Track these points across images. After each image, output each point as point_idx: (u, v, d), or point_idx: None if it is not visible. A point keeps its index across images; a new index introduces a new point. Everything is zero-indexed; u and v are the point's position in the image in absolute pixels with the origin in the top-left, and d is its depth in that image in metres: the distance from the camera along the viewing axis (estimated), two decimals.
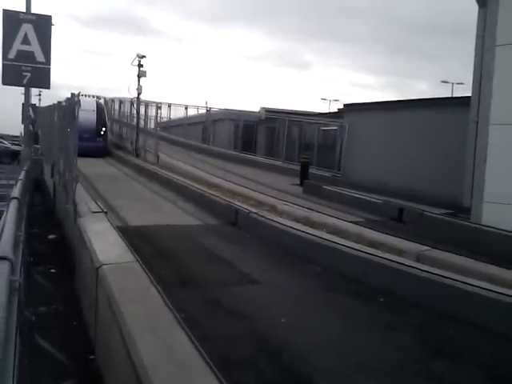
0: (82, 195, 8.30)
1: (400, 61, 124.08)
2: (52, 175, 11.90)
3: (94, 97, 25.61)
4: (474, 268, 6.32)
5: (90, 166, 14.58)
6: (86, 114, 18.24)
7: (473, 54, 11.08)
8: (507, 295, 4.72)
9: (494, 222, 9.38)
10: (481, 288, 4.97)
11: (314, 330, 4.51)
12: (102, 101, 25.68)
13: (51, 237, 9.05)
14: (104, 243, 5.32)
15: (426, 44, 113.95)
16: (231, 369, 3.42)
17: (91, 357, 4.34)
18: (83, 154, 16.26)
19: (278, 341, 4.18)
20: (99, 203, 7.77)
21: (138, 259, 4.84)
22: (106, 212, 7.14)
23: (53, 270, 6.74)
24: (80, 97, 17.22)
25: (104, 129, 21.28)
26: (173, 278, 5.69)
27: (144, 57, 18.72)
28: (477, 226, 9.61)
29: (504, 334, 4.47)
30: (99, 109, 21.89)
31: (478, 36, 10.66)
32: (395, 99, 16.69)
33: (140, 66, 18.71)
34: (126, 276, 4.33)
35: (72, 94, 7.69)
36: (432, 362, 4.01)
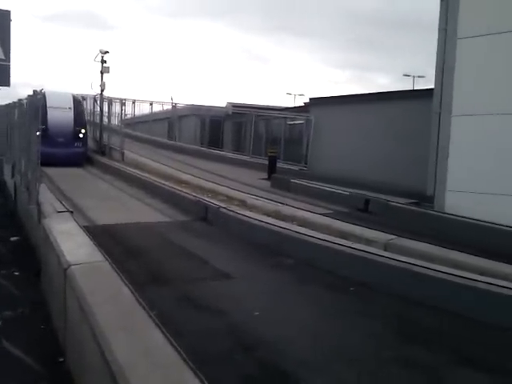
0: (45, 195, 8.04)
1: (362, 55, 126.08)
2: (13, 175, 11.49)
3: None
4: (440, 255, 6.49)
5: (53, 165, 14.18)
6: (61, 112, 16.20)
7: (432, 47, 11.34)
8: (474, 280, 4.87)
9: (456, 209, 9.68)
10: (448, 274, 5.11)
11: (289, 321, 4.54)
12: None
13: (13, 239, 8.74)
14: (71, 243, 5.16)
15: (387, 38, 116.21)
16: (208, 364, 3.38)
17: (61, 359, 4.23)
18: (57, 162, 14.27)
19: (253, 334, 4.18)
20: (64, 203, 7.56)
21: (108, 258, 4.73)
22: (71, 212, 6.94)
23: (17, 273, 6.51)
24: (52, 91, 15.50)
25: (83, 131, 17.03)
26: (144, 276, 5.61)
27: (107, 52, 18.34)
28: (440, 214, 9.90)
29: (473, 318, 4.60)
30: (77, 106, 17.46)
31: (440, 29, 10.90)
32: (360, 93, 16.92)
33: (103, 61, 18.31)
34: (96, 276, 4.22)
35: (34, 92, 7.43)
36: (406, 348, 4.10)
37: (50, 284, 5.33)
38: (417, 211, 10.14)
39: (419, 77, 40.70)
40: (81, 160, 16.82)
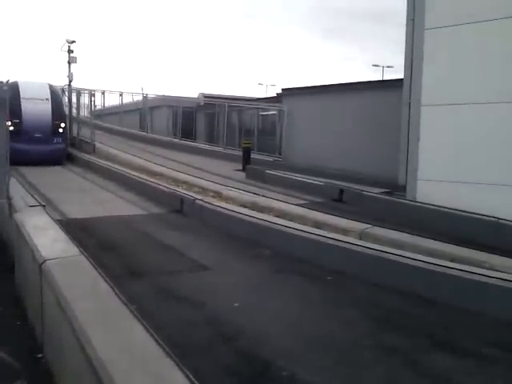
0: (16, 189, 7.84)
1: (330, 45, 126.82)
2: None
3: None
4: (413, 243, 6.65)
5: (29, 164, 13.83)
6: (37, 104, 14.69)
7: (399, 38, 11.52)
8: (447, 267, 5.02)
9: (428, 198, 9.90)
10: (422, 261, 5.24)
11: (267, 312, 4.58)
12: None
13: None
14: (45, 238, 5.06)
15: (353, 29, 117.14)
16: (190, 356, 3.40)
17: (39, 356, 4.17)
18: (34, 161, 13.65)
19: (232, 325, 4.20)
20: (36, 197, 7.40)
21: (84, 253, 4.67)
22: (43, 205, 6.80)
23: None
24: (25, 82, 15.12)
25: (63, 125, 15.38)
26: (121, 269, 5.56)
27: (74, 42, 17.90)
28: (412, 202, 10.11)
29: (447, 303, 4.75)
30: (55, 97, 15.67)
31: (408, 20, 11.08)
32: (331, 83, 17.04)
33: (70, 51, 17.86)
34: (73, 270, 4.15)
35: (0, 83, 7.19)
36: (382, 335, 4.20)
37: (24, 279, 5.22)
38: (390, 200, 10.33)
39: (388, 67, 41.33)
40: (61, 158, 15.28)
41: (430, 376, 3.60)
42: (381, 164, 13.16)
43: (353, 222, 7.67)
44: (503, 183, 9.19)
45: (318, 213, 8.30)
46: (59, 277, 3.91)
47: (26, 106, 14.34)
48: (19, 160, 12.48)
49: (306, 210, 8.69)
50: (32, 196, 7.44)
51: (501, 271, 5.27)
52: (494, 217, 8.40)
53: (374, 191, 10.83)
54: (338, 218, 7.93)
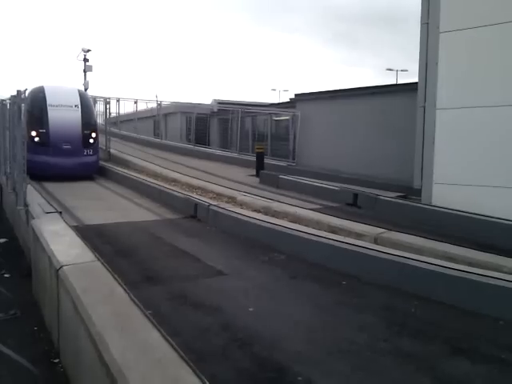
0: (33, 196, 7.97)
1: (341, 51, 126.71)
2: None
3: None
4: (429, 247, 6.58)
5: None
6: (65, 112, 13.34)
7: (412, 41, 11.45)
8: (466, 272, 4.95)
9: (443, 202, 9.79)
10: (438, 266, 5.18)
11: (282, 317, 4.56)
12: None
13: (1, 240, 8.63)
14: (62, 244, 5.12)
15: (364, 34, 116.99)
16: (206, 361, 3.41)
17: (56, 360, 4.20)
18: (63, 175, 12.74)
19: (248, 330, 4.19)
20: (52, 203, 7.49)
21: (100, 258, 4.71)
22: (60, 212, 6.89)
23: (7, 275, 6.44)
24: (52, 87, 13.98)
25: (94, 135, 13.77)
26: (136, 275, 5.59)
27: (89, 51, 18.18)
28: (427, 206, 10.00)
29: (465, 308, 4.68)
30: (85, 104, 14.12)
31: (422, 23, 10.98)
32: (344, 88, 16.98)
33: (85, 60, 18.15)
34: (89, 276, 4.19)
35: (18, 92, 7.32)
36: (399, 340, 4.15)
37: (41, 285, 5.28)
38: (405, 204, 10.24)
39: (402, 71, 41.07)
40: (92, 171, 13.81)
41: (449, 382, 3.55)
42: (395, 168, 13.04)
43: (368, 226, 7.61)
44: None
45: (332, 217, 8.26)
46: (76, 282, 3.95)
47: (53, 114, 13.11)
48: (45, 174, 12.22)
49: (320, 214, 8.65)
50: (48, 203, 7.54)
51: None
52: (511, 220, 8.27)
53: (388, 195, 10.75)
54: (352, 222, 7.88)
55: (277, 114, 19.63)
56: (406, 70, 40.49)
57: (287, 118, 18.44)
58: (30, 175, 8.86)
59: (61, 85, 15.31)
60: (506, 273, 5.35)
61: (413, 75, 45.02)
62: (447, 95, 10.16)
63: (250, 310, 4.63)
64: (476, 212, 8.72)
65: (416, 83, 11.79)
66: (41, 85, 13.85)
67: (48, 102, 13.18)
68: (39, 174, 11.63)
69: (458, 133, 9.96)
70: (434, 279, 5.06)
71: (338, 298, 5.17)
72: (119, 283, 4.01)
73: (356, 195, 10.80)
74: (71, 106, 13.54)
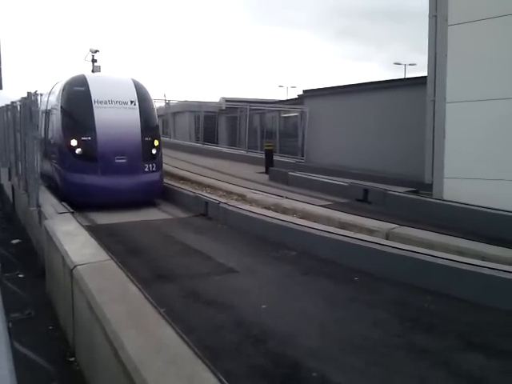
0: (45, 197, 8.05)
1: (347, 46, 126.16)
2: (9, 178, 11.45)
3: None
4: (441, 242, 6.54)
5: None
6: (117, 111, 9.69)
7: (419, 35, 11.36)
8: (477, 265, 4.91)
9: (454, 196, 9.71)
10: (450, 260, 5.15)
11: (295, 313, 4.57)
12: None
13: (15, 241, 8.74)
14: (75, 243, 5.18)
15: (371, 28, 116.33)
16: (220, 358, 3.43)
17: (71, 359, 4.25)
18: (117, 199, 9.19)
19: (261, 327, 4.21)
20: (64, 204, 7.56)
21: (113, 257, 4.75)
22: (72, 212, 6.95)
23: (21, 275, 6.52)
24: (99, 77, 11.48)
25: (157, 143, 10.12)
26: (149, 273, 5.63)
27: (97, 51, 18.24)
28: (439, 201, 9.93)
29: (478, 302, 4.65)
30: (143, 100, 10.26)
31: (430, 16, 10.90)
32: (353, 83, 16.90)
33: (94, 61, 18.22)
34: (103, 275, 4.24)
35: (28, 94, 7.38)
36: (412, 335, 4.14)
37: (55, 285, 5.34)
38: (416, 199, 10.18)
39: (410, 65, 40.72)
40: (156, 195, 10.18)
41: (463, 376, 3.54)
42: (405, 163, 12.97)
43: (379, 221, 7.58)
44: None
45: (342, 213, 8.24)
46: (90, 281, 3.99)
47: (102, 115, 9.47)
48: (91, 202, 8.97)
49: (330, 210, 8.64)
50: (60, 203, 7.60)
51: None
52: None
53: (399, 190, 10.69)
54: (363, 218, 7.85)
55: (285, 111, 19.60)
56: (415, 64, 40.15)
57: (295, 114, 18.40)
58: (69, 202, 7.61)
59: (107, 73, 11.40)
60: None
61: (421, 69, 44.66)
62: (457, 88, 10.07)
63: (263, 306, 4.64)
64: (487, 206, 8.65)
65: (425, 77, 11.71)
66: (80, 74, 10.20)
67: (93, 98, 9.48)
68: (81, 202, 8.70)
69: (468, 126, 9.87)
70: (446, 274, 5.03)
71: (350, 293, 5.17)
72: (133, 282, 4.05)
73: (366, 191, 10.75)
74: (125, 103, 9.76)
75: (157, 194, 10.14)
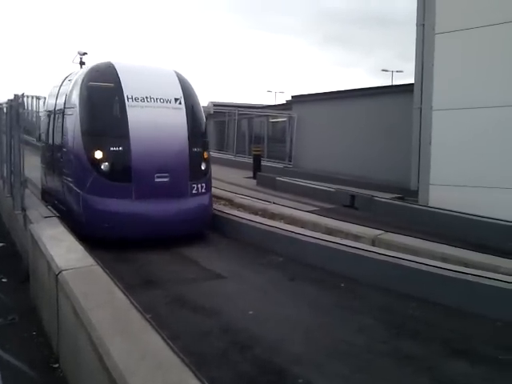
0: (30, 200, 7.94)
1: (335, 52, 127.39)
2: None
3: None
4: (427, 248, 6.60)
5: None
6: (157, 112, 7.31)
7: (407, 42, 11.54)
8: (462, 272, 4.98)
9: (440, 203, 9.83)
10: (436, 267, 5.21)
11: (282, 319, 4.58)
12: None
13: None
14: (61, 248, 5.11)
15: (359, 35, 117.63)
16: (207, 364, 3.42)
17: (55, 366, 4.20)
18: (154, 234, 6.80)
19: (248, 333, 4.21)
20: (50, 207, 7.47)
21: (99, 262, 4.71)
22: (58, 216, 6.87)
23: (4, 280, 6.43)
24: (131, 67, 7.74)
25: (206, 155, 7.91)
26: (136, 278, 5.59)
27: (85, 54, 18.05)
28: (424, 207, 10.05)
29: (462, 309, 4.71)
30: (189, 97, 7.86)
31: (418, 24, 11.06)
32: (341, 89, 17.05)
33: (82, 63, 18.05)
34: (89, 280, 4.19)
35: (15, 96, 7.29)
36: (397, 342, 4.18)
37: (40, 290, 5.27)
38: (402, 206, 10.28)
39: (397, 72, 41.18)
40: (206, 223, 7.74)
41: (447, 382, 3.57)
42: (392, 169, 13.09)
43: (365, 227, 7.63)
44: None
45: (329, 219, 8.28)
46: (76, 287, 3.95)
47: (138, 118, 7.12)
48: (122, 236, 6.68)
49: (317, 216, 8.67)
50: (46, 207, 7.51)
51: None
52: (507, 220, 8.32)
53: (385, 197, 10.78)
54: (350, 224, 7.90)
55: (273, 116, 19.66)
56: (402, 71, 40.63)
57: (284, 119, 18.48)
58: (88, 237, 5.91)
59: (140, 63, 8.56)
60: (502, 273, 5.38)
61: (408, 76, 45.15)
62: (443, 96, 10.21)
63: (250, 313, 4.65)
64: (472, 213, 8.77)
65: (412, 84, 11.87)
66: (106, 61, 7.76)
67: (126, 94, 7.11)
68: (106, 237, 6.59)
69: (454, 134, 10.01)
70: (432, 281, 5.09)
71: (336, 300, 5.20)
72: (119, 287, 4.01)
73: (353, 196, 10.83)
74: (168, 101, 7.40)
75: (206, 223, 7.71)
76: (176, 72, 8.02)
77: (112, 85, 7.24)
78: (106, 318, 3.40)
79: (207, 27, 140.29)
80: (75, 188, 7.13)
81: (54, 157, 8.43)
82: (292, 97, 18.96)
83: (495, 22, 9.34)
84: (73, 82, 7.94)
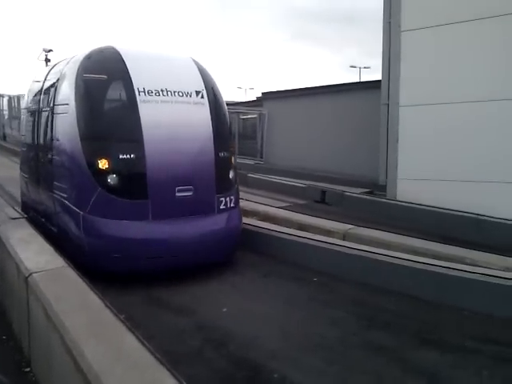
0: None
1: (304, 48, 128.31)
2: None
3: None
4: (397, 242, 6.76)
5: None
6: (179, 112, 5.88)
7: (374, 39, 11.73)
8: (431, 264, 5.13)
9: (407, 197, 10.09)
10: (405, 260, 5.35)
11: (256, 315, 4.61)
12: None
13: None
14: (30, 250, 5.00)
15: (328, 32, 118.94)
16: (182, 363, 3.42)
17: (26, 370, 4.13)
18: (178, 264, 5.43)
19: (222, 331, 4.23)
20: (17, 208, 7.29)
21: (70, 264, 4.64)
22: (26, 217, 6.71)
23: None
24: (141, 53, 6.28)
25: (233, 160, 6.46)
26: (109, 280, 5.51)
27: (51, 51, 17.70)
28: (392, 201, 10.29)
29: (431, 301, 4.86)
30: (214, 93, 6.33)
31: (384, 22, 11.25)
32: (310, 86, 17.18)
33: (47, 60, 17.68)
34: (60, 282, 4.12)
35: None
36: (369, 334, 4.28)
37: (9, 293, 5.15)
38: (371, 200, 10.49)
39: (365, 68, 41.88)
40: (234, 247, 6.18)
41: (418, 372, 3.69)
42: (362, 164, 13.32)
43: (336, 222, 7.76)
44: (479, 180, 9.41)
45: (301, 215, 8.38)
46: (46, 289, 3.88)
47: (152, 116, 5.69)
48: (134, 267, 5.33)
49: (290, 212, 8.76)
50: (13, 208, 7.33)
51: (482, 266, 5.41)
52: (473, 213, 8.60)
53: (355, 192, 10.97)
54: (322, 219, 8.01)
55: (244, 113, 19.67)
56: (369, 67, 41.30)
57: (254, 116, 18.51)
58: (91, 270, 4.89)
59: (147, 48, 6.86)
60: (468, 264, 5.57)
61: (375, 71, 45.89)
62: (410, 93, 10.44)
63: (224, 310, 4.66)
64: (438, 206, 9.03)
65: (379, 81, 12.08)
66: (108, 45, 6.21)
67: (136, 86, 5.66)
68: (115, 270, 5.31)
69: (420, 130, 10.27)
70: (402, 273, 5.22)
71: (309, 294, 5.27)
72: (92, 289, 3.97)
73: (324, 192, 10.98)
74: (188, 95, 5.95)
75: (236, 246, 6.19)
76: (194, 59, 6.51)
77: (117, 74, 5.79)
78: (80, 320, 3.37)
79: (175, 21, 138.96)
80: (73, 206, 5.64)
81: (41, 165, 6.87)
82: (262, 93, 19.01)
83: (459, 20, 9.61)
84: (64, 72, 6.39)
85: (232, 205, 6.04)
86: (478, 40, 9.38)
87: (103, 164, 5.42)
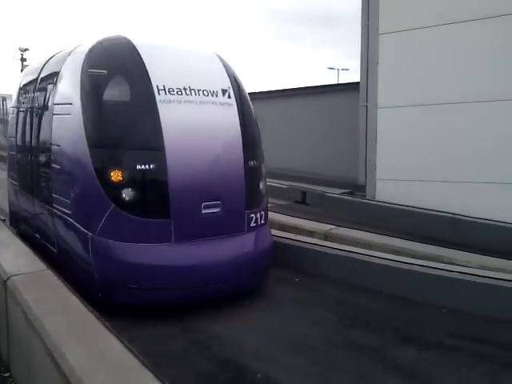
0: None
1: (285, 48, 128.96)
2: None
3: None
4: (377, 241, 6.85)
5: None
6: (204, 114, 4.98)
7: (353, 41, 11.86)
8: (411, 264, 5.22)
9: (386, 197, 10.23)
10: (385, 259, 5.43)
11: (238, 316, 4.61)
12: None
13: None
14: (8, 253, 4.92)
15: (306, 33, 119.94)
16: (166, 364, 3.41)
17: (6, 375, 4.05)
18: (201, 292, 4.60)
19: (205, 332, 4.22)
20: None
21: (50, 267, 4.57)
22: (3, 220, 6.60)
23: None
24: (156, 45, 5.39)
25: (263, 170, 5.71)
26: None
27: (27, 50, 17.38)
28: (371, 202, 10.43)
29: (411, 299, 4.94)
30: (242, 92, 5.67)
31: (362, 25, 11.38)
32: (289, 87, 17.25)
33: (23, 59, 17.36)
34: (40, 285, 4.06)
35: None
36: (351, 332, 4.33)
37: None
38: (351, 201, 10.61)
39: (343, 69, 42.14)
40: (269, 265, 5.36)
41: (399, 369, 3.75)
42: (342, 165, 13.43)
43: (317, 223, 7.82)
44: (456, 180, 9.61)
45: (282, 216, 8.41)
46: (26, 293, 3.82)
47: (174, 120, 4.81)
48: (155, 298, 4.55)
49: (270, 213, 8.75)
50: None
51: (459, 265, 5.52)
52: (450, 213, 8.77)
53: (335, 192, 11.07)
54: (302, 219, 8.06)
55: None
56: (347, 69, 41.60)
57: None
58: (106, 303, 4.33)
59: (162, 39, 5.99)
60: (445, 263, 5.68)
61: (353, 73, 46.33)
62: (388, 94, 10.60)
63: (207, 312, 4.65)
64: (416, 206, 9.18)
65: (358, 83, 12.21)
66: (118, 35, 5.39)
67: (155, 83, 4.82)
68: (136, 302, 4.55)
69: (398, 131, 10.43)
70: (382, 272, 5.30)
71: (291, 295, 5.29)
72: (72, 292, 3.92)
73: (304, 193, 11.06)
74: (214, 94, 5.17)
75: (267, 267, 5.37)
76: (218, 54, 5.70)
77: (132, 69, 4.89)
78: (61, 323, 3.32)
79: (155, 22, 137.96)
80: (79, 226, 4.77)
81: (35, 173, 6.09)
82: None
83: (435, 24, 9.80)
84: (65, 65, 5.47)
85: (262, 221, 5.27)
86: (456, 42, 9.58)
87: (116, 176, 4.56)
